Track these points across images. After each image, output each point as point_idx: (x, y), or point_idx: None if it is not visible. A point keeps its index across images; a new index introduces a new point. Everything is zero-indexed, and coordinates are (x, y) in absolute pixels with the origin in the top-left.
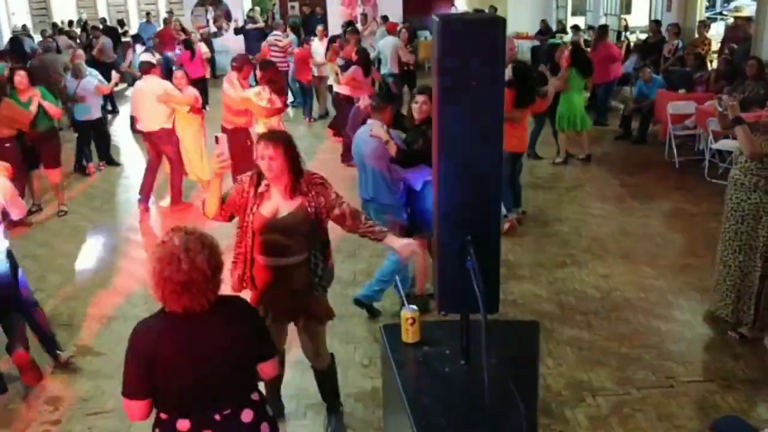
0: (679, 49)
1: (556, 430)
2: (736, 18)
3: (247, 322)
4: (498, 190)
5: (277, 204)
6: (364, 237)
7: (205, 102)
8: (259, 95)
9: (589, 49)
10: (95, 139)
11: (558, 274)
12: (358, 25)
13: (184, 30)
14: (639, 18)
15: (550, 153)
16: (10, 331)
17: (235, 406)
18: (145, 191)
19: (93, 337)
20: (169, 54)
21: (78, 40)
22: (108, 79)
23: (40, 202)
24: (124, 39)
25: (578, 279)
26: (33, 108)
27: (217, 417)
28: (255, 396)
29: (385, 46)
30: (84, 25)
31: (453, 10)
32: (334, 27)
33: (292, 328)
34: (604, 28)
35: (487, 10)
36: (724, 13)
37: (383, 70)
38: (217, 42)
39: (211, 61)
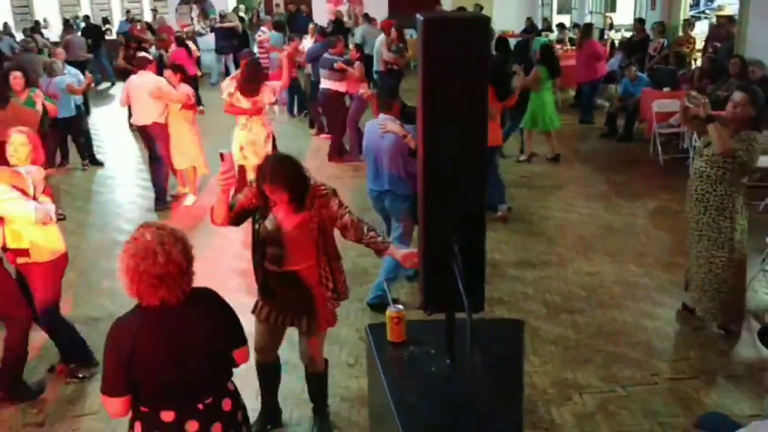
0: (665, 47)
1: (542, 428)
2: (719, 17)
3: (221, 311)
4: (483, 189)
5: (282, 217)
6: (368, 247)
7: (199, 101)
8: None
9: (574, 48)
10: (75, 138)
11: (544, 272)
12: (345, 18)
13: (150, 29)
14: (624, 16)
15: (512, 150)
16: None
17: (216, 394)
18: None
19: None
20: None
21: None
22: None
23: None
24: (108, 37)
25: (564, 277)
26: (39, 108)
27: (200, 406)
28: (230, 386)
29: (374, 44)
30: (66, 23)
31: (439, 9)
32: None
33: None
34: (588, 27)
35: (472, 9)
36: (708, 12)
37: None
38: (201, 40)
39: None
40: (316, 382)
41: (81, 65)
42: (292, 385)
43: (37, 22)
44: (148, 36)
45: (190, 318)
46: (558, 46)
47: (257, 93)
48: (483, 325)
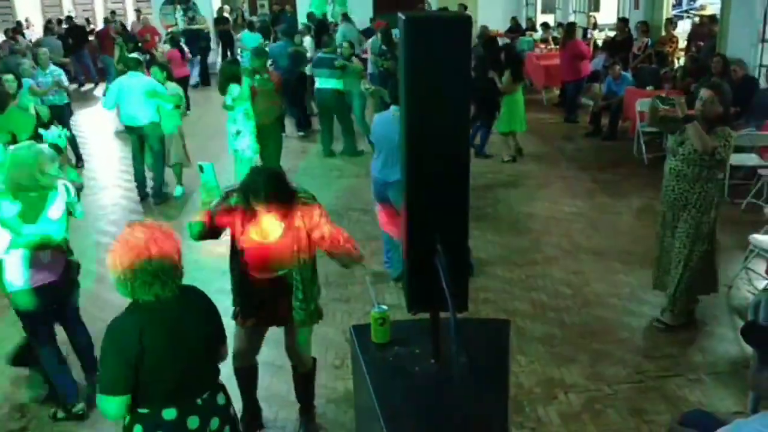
0: (649, 46)
1: (528, 428)
2: (701, 16)
3: (209, 306)
4: (466, 188)
5: (267, 227)
6: (340, 257)
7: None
8: None
9: (557, 47)
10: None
11: (529, 271)
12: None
13: (124, 29)
14: (607, 15)
15: (497, 150)
16: None
17: (212, 389)
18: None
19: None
20: (108, 57)
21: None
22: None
23: None
24: (91, 38)
25: (550, 276)
26: (32, 112)
27: (199, 401)
28: (220, 380)
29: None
30: (47, 25)
31: (426, 8)
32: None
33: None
34: (572, 26)
35: (457, 8)
36: (690, 11)
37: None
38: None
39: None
40: (304, 381)
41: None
42: (278, 386)
43: (18, 23)
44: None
45: (185, 313)
46: (542, 46)
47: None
48: (468, 325)
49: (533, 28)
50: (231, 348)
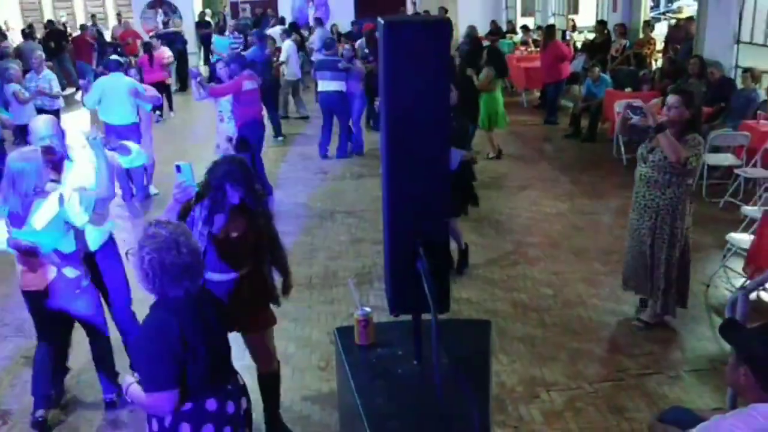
0: (626, 48)
1: (510, 427)
2: (678, 18)
3: (217, 298)
4: (447, 191)
5: (227, 222)
6: (276, 265)
7: (170, 106)
8: None
9: (538, 49)
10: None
11: (511, 271)
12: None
13: (100, 35)
14: (586, 18)
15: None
16: None
17: (234, 373)
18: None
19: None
20: (86, 64)
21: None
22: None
23: None
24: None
25: (531, 276)
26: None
27: (229, 387)
28: None
29: None
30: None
31: (411, 10)
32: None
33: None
34: (552, 28)
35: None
36: (668, 13)
37: None
38: None
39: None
40: (268, 382)
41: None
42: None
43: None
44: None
45: (208, 304)
46: (522, 48)
47: None
48: (450, 326)
49: (513, 31)
50: None
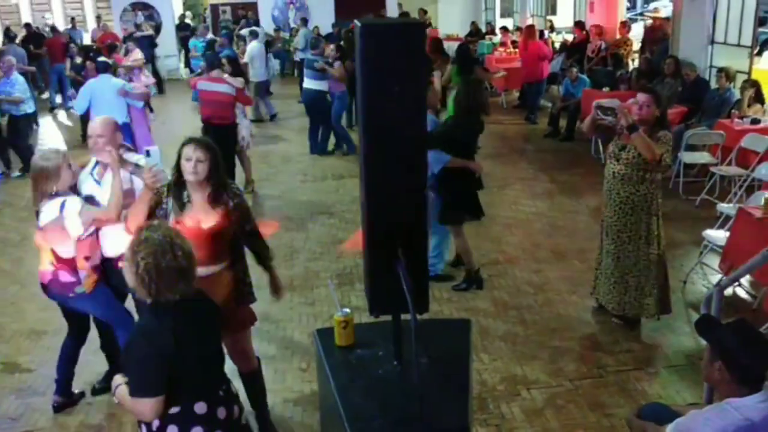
0: (602, 49)
1: (492, 425)
2: (654, 18)
3: (209, 297)
4: (425, 193)
5: (200, 214)
6: (255, 259)
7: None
8: None
9: (516, 50)
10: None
11: (491, 270)
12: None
13: (72, 40)
14: (564, 19)
15: None
16: None
17: (226, 379)
18: None
19: (22, 352)
20: (61, 65)
21: None
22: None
23: None
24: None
25: (511, 275)
26: None
27: (221, 392)
28: None
29: None
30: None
31: (393, 13)
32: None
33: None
34: (531, 29)
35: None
36: (644, 13)
37: None
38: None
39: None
40: (251, 381)
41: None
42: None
43: None
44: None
45: (202, 307)
46: (501, 49)
47: None
48: (430, 326)
49: (492, 32)
50: None
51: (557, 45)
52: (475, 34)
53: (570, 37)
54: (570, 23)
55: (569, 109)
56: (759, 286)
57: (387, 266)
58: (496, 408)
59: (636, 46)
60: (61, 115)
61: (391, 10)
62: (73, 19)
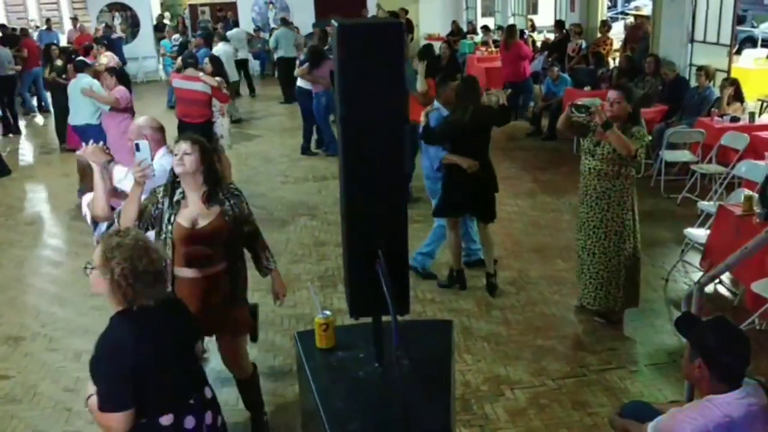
0: (583, 48)
1: (476, 426)
2: (636, 17)
3: (184, 305)
4: (405, 194)
5: (196, 213)
6: (254, 261)
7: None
8: None
9: (498, 49)
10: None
11: (474, 270)
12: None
13: (54, 43)
14: (545, 18)
15: None
16: None
17: (200, 386)
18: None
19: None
20: (37, 69)
21: None
22: None
23: None
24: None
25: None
26: None
27: (192, 401)
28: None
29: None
30: None
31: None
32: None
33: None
34: (513, 28)
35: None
36: (625, 12)
37: None
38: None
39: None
40: (247, 387)
41: (10, 81)
42: (225, 395)
43: None
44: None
45: (174, 313)
46: (483, 48)
47: None
48: (411, 327)
49: (474, 32)
50: None
51: (539, 44)
52: (457, 33)
53: (552, 36)
54: (551, 22)
55: (551, 108)
56: (740, 284)
57: (367, 268)
58: (479, 409)
59: (617, 44)
60: (39, 119)
61: (373, 11)
62: (48, 20)
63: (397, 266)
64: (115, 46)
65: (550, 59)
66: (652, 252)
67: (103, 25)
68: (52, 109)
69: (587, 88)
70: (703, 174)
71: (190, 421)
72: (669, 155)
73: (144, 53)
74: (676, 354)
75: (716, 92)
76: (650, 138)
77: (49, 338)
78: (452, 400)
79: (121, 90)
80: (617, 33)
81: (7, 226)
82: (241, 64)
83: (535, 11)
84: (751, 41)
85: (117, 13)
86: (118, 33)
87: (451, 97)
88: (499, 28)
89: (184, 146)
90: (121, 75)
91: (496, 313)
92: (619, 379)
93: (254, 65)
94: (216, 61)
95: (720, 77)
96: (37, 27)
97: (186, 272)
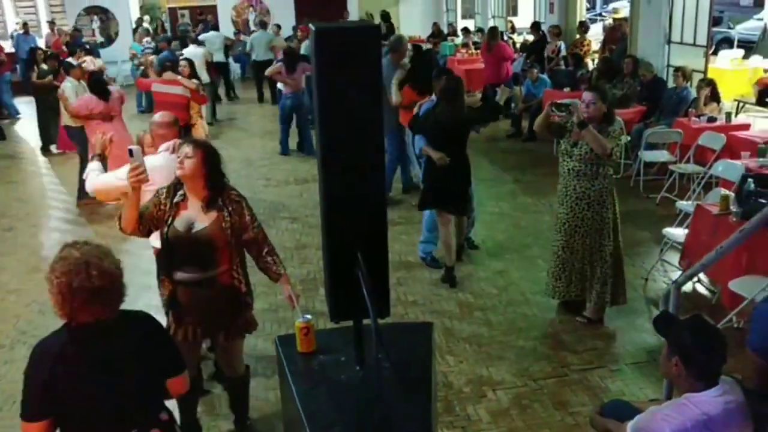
0: (561, 50)
1: (459, 427)
2: (614, 19)
3: (155, 334)
4: (383, 197)
5: (194, 216)
6: (261, 269)
7: None
8: None
9: (478, 51)
10: None
11: (456, 272)
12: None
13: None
14: (525, 20)
15: None
16: None
17: (143, 426)
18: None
19: None
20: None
21: None
22: None
23: None
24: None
25: (476, 276)
26: None
27: (137, 429)
28: (164, 416)
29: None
30: None
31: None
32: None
33: None
34: (495, 30)
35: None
36: (604, 14)
37: None
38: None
39: None
40: (238, 388)
41: None
42: (211, 399)
43: None
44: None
45: (121, 340)
46: (463, 50)
47: None
48: (392, 330)
49: (454, 34)
50: None
51: (518, 46)
52: (437, 35)
53: (531, 38)
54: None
55: (531, 109)
56: (717, 283)
57: (347, 271)
58: (462, 410)
59: (596, 46)
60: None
61: (353, 13)
62: (25, 24)
63: (378, 269)
64: (92, 50)
65: (528, 61)
66: (632, 251)
67: (71, 29)
68: (36, 114)
69: (567, 89)
70: (681, 174)
71: None
72: (648, 155)
73: (123, 57)
74: (656, 353)
75: (693, 93)
76: (629, 138)
77: (29, 345)
78: (433, 402)
79: (84, 99)
80: (596, 34)
81: None
82: (222, 68)
83: (515, 13)
84: (727, 42)
85: (96, 17)
86: (95, 37)
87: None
88: (479, 30)
89: (186, 149)
90: (97, 81)
91: (478, 315)
92: (600, 379)
93: (236, 68)
94: (191, 63)
95: (697, 78)
96: (15, 31)
97: (182, 275)
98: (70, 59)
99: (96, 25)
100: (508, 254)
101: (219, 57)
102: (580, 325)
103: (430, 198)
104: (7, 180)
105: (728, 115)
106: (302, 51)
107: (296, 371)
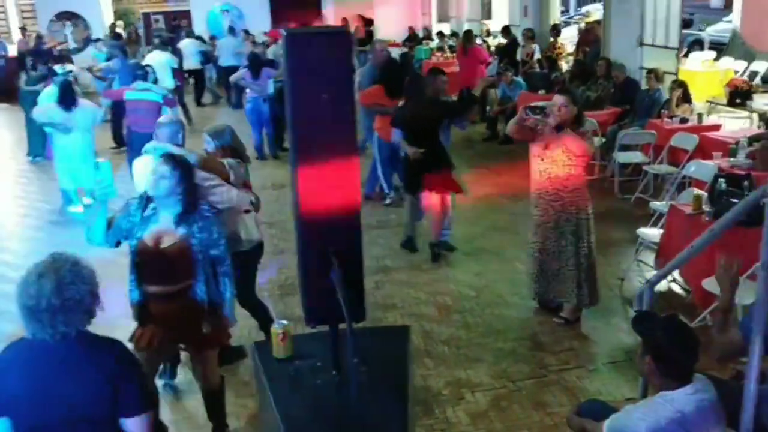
0: (536, 52)
1: (438, 429)
2: (587, 22)
3: (116, 366)
4: (357, 196)
5: (162, 231)
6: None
7: None
8: None
9: (454, 55)
10: None
11: (434, 275)
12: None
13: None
14: (499, 23)
15: None
16: None
17: None
18: None
19: None
20: None
21: None
22: None
23: None
24: None
25: (453, 279)
26: None
27: None
28: None
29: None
30: None
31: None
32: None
33: None
34: (470, 33)
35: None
36: (577, 17)
37: None
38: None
39: None
40: (214, 399)
41: None
42: (190, 409)
43: None
44: None
45: (67, 364)
46: (438, 54)
47: None
48: (368, 334)
49: (429, 37)
50: None
51: (493, 49)
52: (413, 39)
53: (504, 41)
54: None
55: (506, 112)
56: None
57: (322, 276)
58: (441, 413)
59: (570, 48)
60: None
61: (330, 18)
62: None
63: (353, 273)
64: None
65: (502, 64)
66: (608, 252)
67: (34, 36)
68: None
69: (542, 92)
70: (655, 174)
71: None
72: (622, 157)
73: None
74: (632, 352)
75: (666, 94)
76: (603, 140)
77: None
78: (410, 405)
79: (43, 108)
80: (570, 37)
81: None
82: (197, 74)
83: (489, 17)
84: (698, 44)
85: (68, 22)
86: (66, 43)
87: (439, 89)
88: (454, 34)
89: (162, 170)
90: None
91: (456, 317)
92: (577, 379)
93: (212, 74)
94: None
95: (669, 80)
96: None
97: (152, 288)
98: (51, 66)
99: (69, 30)
100: (485, 255)
101: (195, 63)
102: (557, 326)
103: (410, 182)
104: None
105: (700, 116)
106: (269, 56)
107: (272, 377)
